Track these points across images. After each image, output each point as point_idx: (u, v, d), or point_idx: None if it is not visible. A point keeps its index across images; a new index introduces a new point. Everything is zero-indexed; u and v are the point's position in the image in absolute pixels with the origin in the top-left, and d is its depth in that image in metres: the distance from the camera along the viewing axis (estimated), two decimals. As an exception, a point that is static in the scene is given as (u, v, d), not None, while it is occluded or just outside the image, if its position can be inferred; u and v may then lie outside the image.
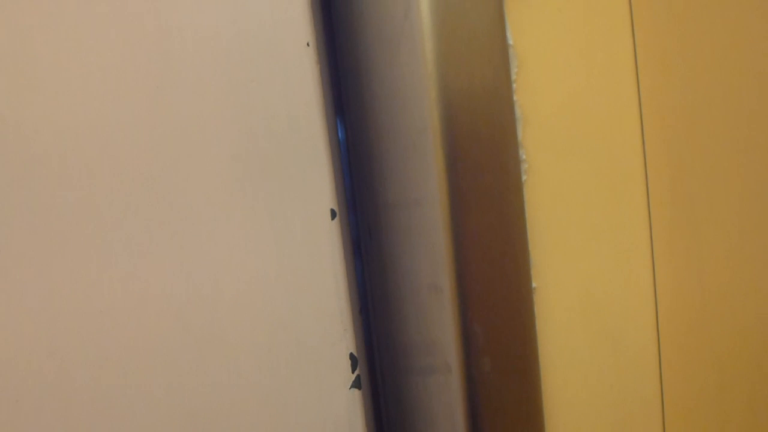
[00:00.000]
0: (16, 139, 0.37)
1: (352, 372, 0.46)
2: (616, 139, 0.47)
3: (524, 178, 0.46)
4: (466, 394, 0.47)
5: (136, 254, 0.40)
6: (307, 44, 0.43)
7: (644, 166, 0.48)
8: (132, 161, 0.40)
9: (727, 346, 0.48)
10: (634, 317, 0.49)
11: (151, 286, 0.40)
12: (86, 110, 0.38)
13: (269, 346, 0.43)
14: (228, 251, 0.42)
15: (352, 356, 0.45)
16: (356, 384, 0.46)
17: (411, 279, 0.48)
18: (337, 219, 0.45)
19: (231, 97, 0.41)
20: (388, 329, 0.51)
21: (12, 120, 0.37)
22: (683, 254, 0.49)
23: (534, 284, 0.47)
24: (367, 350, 0.51)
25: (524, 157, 0.46)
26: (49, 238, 0.38)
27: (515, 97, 0.46)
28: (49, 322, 0.39)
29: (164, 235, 0.41)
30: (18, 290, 0.38)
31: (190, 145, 0.41)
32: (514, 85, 0.46)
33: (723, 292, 0.48)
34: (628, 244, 0.48)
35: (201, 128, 0.41)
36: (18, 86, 0.37)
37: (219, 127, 0.41)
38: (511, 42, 0.45)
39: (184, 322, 0.41)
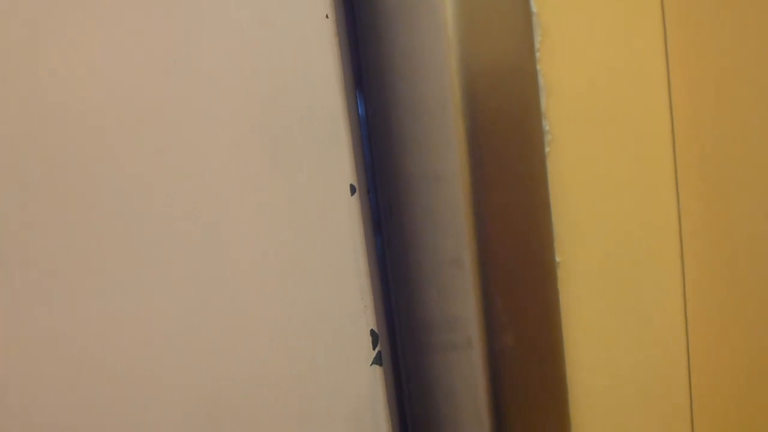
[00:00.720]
0: (26, 122, 0.37)
1: (373, 348, 0.45)
2: (643, 108, 0.46)
3: (547, 149, 0.45)
4: (488, 370, 0.46)
5: (152, 228, 0.40)
6: (326, 16, 0.42)
7: (672, 137, 0.47)
8: (148, 137, 0.39)
9: (759, 324, 0.47)
10: (660, 292, 0.48)
11: (169, 261, 0.40)
12: (102, 83, 0.38)
13: (289, 323, 0.43)
14: (246, 228, 0.41)
15: (372, 332, 0.45)
16: (377, 360, 0.45)
17: (432, 254, 0.48)
18: (356, 195, 0.44)
19: (249, 71, 0.41)
20: (409, 306, 0.50)
21: (21, 107, 0.37)
22: (713, 227, 0.47)
23: (558, 258, 0.47)
24: (388, 327, 0.51)
25: (547, 128, 0.45)
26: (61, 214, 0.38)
27: (539, 67, 0.45)
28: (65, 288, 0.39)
29: (181, 209, 0.40)
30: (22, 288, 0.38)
31: (208, 119, 0.40)
32: (538, 55, 0.45)
33: (755, 263, 0.46)
34: (655, 217, 0.47)
35: (218, 103, 0.40)
36: (28, 74, 0.37)
37: (237, 101, 0.41)
38: (534, 10, 0.44)
39: (204, 299, 0.41)
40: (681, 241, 0.48)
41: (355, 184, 0.44)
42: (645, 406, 0.49)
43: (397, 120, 0.50)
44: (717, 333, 0.48)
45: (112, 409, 0.40)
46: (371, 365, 0.45)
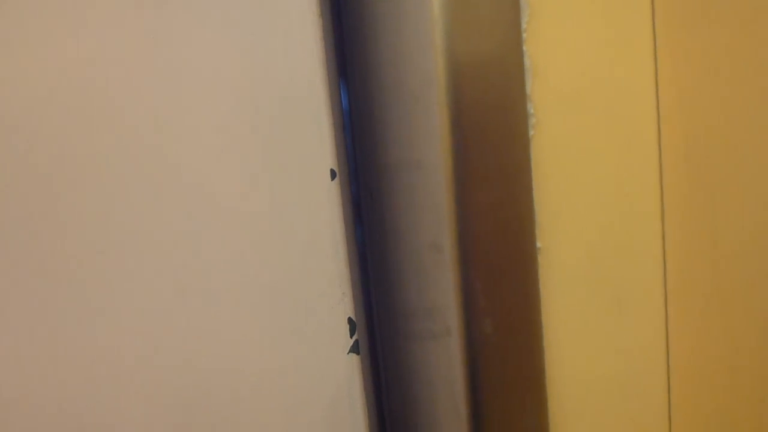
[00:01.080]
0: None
1: (351, 337, 0.45)
2: (629, 94, 0.45)
3: (531, 133, 0.44)
4: (466, 357, 0.46)
5: (126, 214, 0.38)
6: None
7: (657, 123, 0.46)
8: (128, 120, 0.38)
9: (739, 313, 0.47)
10: (641, 281, 0.48)
11: (142, 248, 0.39)
12: (85, 61, 0.37)
13: (266, 310, 0.42)
14: (224, 213, 0.40)
15: (350, 320, 0.45)
16: (354, 349, 0.45)
17: (411, 239, 0.47)
18: (337, 179, 0.43)
19: (230, 52, 0.40)
20: (387, 293, 0.49)
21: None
22: (695, 215, 0.47)
23: (539, 244, 0.46)
24: (366, 316, 0.50)
25: (532, 111, 0.44)
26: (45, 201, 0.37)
27: (525, 48, 0.44)
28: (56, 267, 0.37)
29: (158, 192, 0.39)
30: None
31: (188, 100, 0.39)
32: (525, 35, 0.43)
33: (736, 255, 0.46)
34: (638, 204, 0.47)
35: (199, 85, 0.39)
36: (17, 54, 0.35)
37: (217, 82, 0.39)
38: (521, -9, 0.43)
39: (178, 280, 0.40)
40: (663, 230, 0.47)
41: (336, 169, 0.43)
42: (623, 395, 0.49)
43: (379, 103, 0.49)
44: (697, 322, 0.48)
45: (87, 397, 0.39)
46: (348, 354, 0.45)
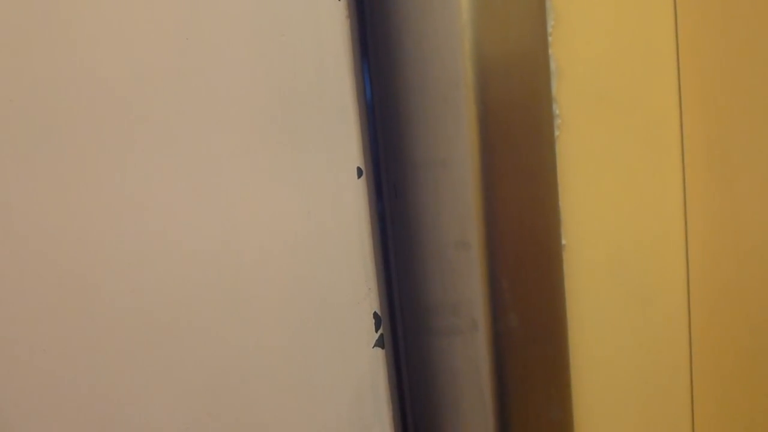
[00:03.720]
0: (32, 83, 0.37)
1: (376, 331, 0.45)
2: (653, 95, 0.46)
3: (557, 133, 0.46)
4: (492, 351, 0.47)
5: (159, 209, 0.39)
6: (338, -2, 0.42)
7: (680, 123, 0.47)
8: (157, 113, 0.39)
9: (762, 310, 0.48)
10: (665, 277, 0.48)
11: (174, 241, 0.40)
12: (112, 59, 0.38)
13: (293, 304, 0.43)
14: (253, 208, 0.41)
15: (375, 315, 0.45)
16: (379, 343, 0.46)
17: (438, 236, 0.48)
18: (363, 177, 0.44)
19: (260, 50, 0.40)
20: (412, 289, 0.50)
21: (29, 65, 0.37)
22: (718, 213, 0.48)
23: (564, 241, 0.47)
24: (389, 311, 0.51)
25: (558, 112, 0.45)
26: (65, 189, 0.38)
27: (551, 51, 0.45)
28: (64, 267, 0.38)
29: (188, 190, 0.40)
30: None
31: (217, 98, 0.40)
32: (550, 38, 0.45)
33: (759, 253, 0.47)
34: (661, 202, 0.48)
35: (228, 82, 0.40)
36: (37, 30, 0.37)
37: (246, 81, 0.40)
38: (547, -6, 0.44)
39: (207, 278, 0.41)
40: (686, 227, 0.48)
41: (362, 167, 0.44)
42: (646, 390, 0.49)
43: (405, 102, 0.50)
44: (719, 318, 0.49)
45: (118, 384, 0.39)
46: (373, 347, 0.45)
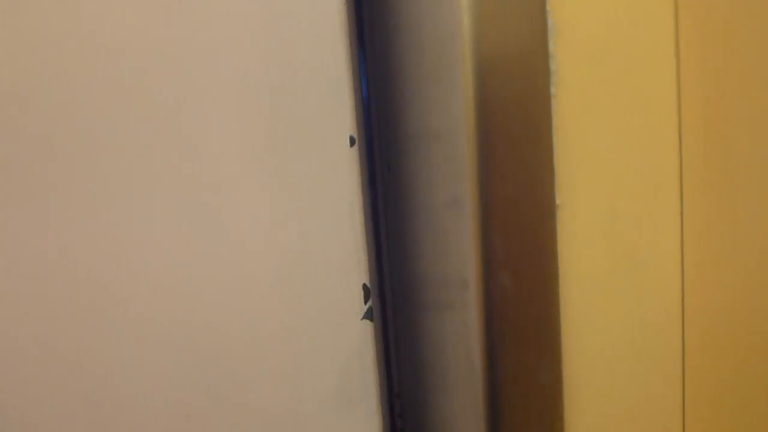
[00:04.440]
0: (23, 78, 0.37)
1: (365, 303, 0.45)
2: (651, 51, 0.46)
3: (553, 90, 0.45)
4: (482, 310, 0.46)
5: (153, 172, 0.39)
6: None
7: (677, 81, 0.46)
8: (153, 105, 0.39)
9: (756, 276, 0.47)
10: (658, 240, 0.48)
11: (168, 205, 0.40)
12: (107, 54, 0.38)
13: (281, 275, 0.43)
14: (243, 176, 0.41)
15: (365, 287, 0.45)
16: (368, 315, 0.45)
17: (429, 198, 0.48)
18: (355, 146, 0.44)
19: (252, 20, 0.40)
20: (403, 256, 0.50)
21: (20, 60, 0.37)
22: (715, 174, 0.47)
23: (558, 201, 0.47)
24: (379, 282, 0.50)
25: (554, 68, 0.45)
26: (58, 192, 0.38)
27: (548, 7, 0.44)
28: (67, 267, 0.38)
29: (180, 155, 0.40)
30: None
31: (210, 68, 0.39)
32: (548, -5, 0.44)
33: (755, 220, 0.47)
34: (658, 163, 0.47)
35: (221, 51, 0.40)
36: (30, 26, 0.36)
37: (239, 50, 0.40)
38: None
39: (198, 245, 0.40)
40: (681, 189, 0.48)
41: (355, 136, 0.43)
42: (638, 353, 0.49)
43: (399, 68, 0.50)
44: (713, 281, 0.49)
45: (104, 348, 0.39)
46: (362, 320, 0.45)
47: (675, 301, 0.49)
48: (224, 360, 0.42)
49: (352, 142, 0.43)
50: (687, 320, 0.49)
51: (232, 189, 0.41)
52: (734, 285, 0.48)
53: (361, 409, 0.46)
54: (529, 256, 0.47)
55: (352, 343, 0.45)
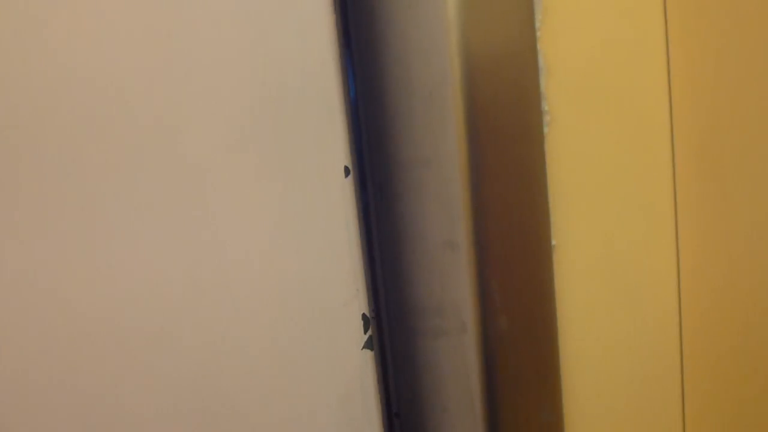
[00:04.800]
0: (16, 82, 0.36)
1: (365, 332, 0.45)
2: (643, 91, 0.46)
3: (546, 130, 0.45)
4: (481, 354, 0.46)
5: (144, 208, 0.38)
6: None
7: (670, 121, 0.46)
8: (141, 113, 0.38)
9: (753, 311, 0.47)
10: (655, 278, 0.48)
11: (160, 241, 0.39)
12: (93, 58, 0.37)
13: (281, 305, 0.42)
14: (239, 208, 0.40)
15: (364, 317, 0.45)
16: (368, 345, 0.45)
17: (425, 237, 0.47)
18: (350, 177, 0.43)
19: (245, 48, 0.40)
20: (399, 290, 0.49)
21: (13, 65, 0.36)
22: (709, 214, 0.47)
23: (554, 242, 0.46)
24: (377, 312, 0.50)
25: (547, 108, 0.44)
26: (44, 192, 0.37)
27: (539, 47, 0.44)
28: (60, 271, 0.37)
29: (173, 189, 0.39)
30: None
31: (203, 96, 0.39)
32: (539, 33, 0.44)
33: (750, 254, 0.46)
34: (652, 202, 0.47)
35: (214, 80, 0.39)
36: (21, 27, 0.35)
37: (232, 79, 0.39)
38: (535, -12, 0.43)
39: (195, 280, 0.40)
40: (677, 226, 0.48)
41: (350, 166, 0.43)
42: (637, 390, 0.49)
43: (390, 100, 0.49)
44: (709, 319, 0.49)
45: (102, 380, 0.38)
46: (362, 349, 0.45)
47: (673, 338, 0.49)
48: (225, 389, 0.41)
49: (347, 172, 0.43)
50: (686, 357, 0.49)
51: (229, 224, 0.40)
52: (733, 321, 0.48)
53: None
54: (527, 300, 0.46)
55: (353, 372, 0.45)
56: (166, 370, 0.40)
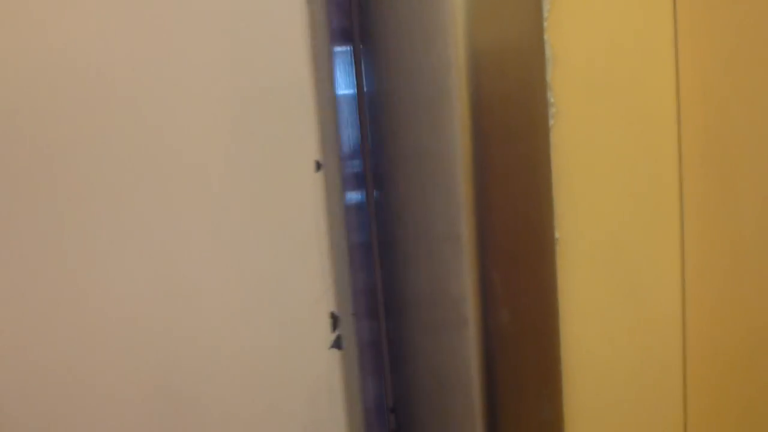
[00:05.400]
0: None
1: (333, 331, 0.45)
2: (650, 83, 0.45)
3: (551, 122, 0.44)
4: (482, 348, 0.45)
5: (116, 202, 0.39)
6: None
7: (677, 111, 0.46)
8: (117, 112, 0.38)
9: (758, 309, 0.47)
10: (658, 272, 0.47)
11: (125, 238, 0.39)
12: (67, 60, 0.37)
13: (248, 302, 0.42)
14: (206, 200, 0.40)
15: (333, 315, 0.44)
16: (336, 344, 0.45)
17: (425, 229, 0.46)
18: (321, 171, 0.43)
19: (217, 47, 0.40)
20: (398, 284, 0.49)
21: None
22: (714, 208, 0.47)
23: (557, 235, 0.46)
24: (369, 308, 0.50)
25: (552, 99, 0.44)
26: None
27: (546, 37, 0.43)
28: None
29: (142, 186, 0.39)
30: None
31: (174, 86, 0.39)
32: (545, 24, 0.43)
33: (754, 245, 0.46)
34: (657, 195, 0.47)
35: (188, 78, 0.39)
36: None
37: (203, 77, 0.40)
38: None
39: (161, 277, 0.40)
40: (682, 219, 0.47)
41: (321, 160, 0.43)
42: (638, 385, 0.48)
43: (393, 92, 0.48)
44: (714, 313, 0.48)
45: (67, 385, 0.39)
46: (330, 349, 0.45)
47: (676, 332, 0.48)
48: (191, 388, 0.41)
49: (318, 167, 0.43)
50: (688, 353, 0.49)
51: (194, 216, 0.40)
52: (737, 318, 0.48)
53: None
54: (529, 293, 0.46)
55: (321, 372, 0.45)
56: (133, 369, 0.40)
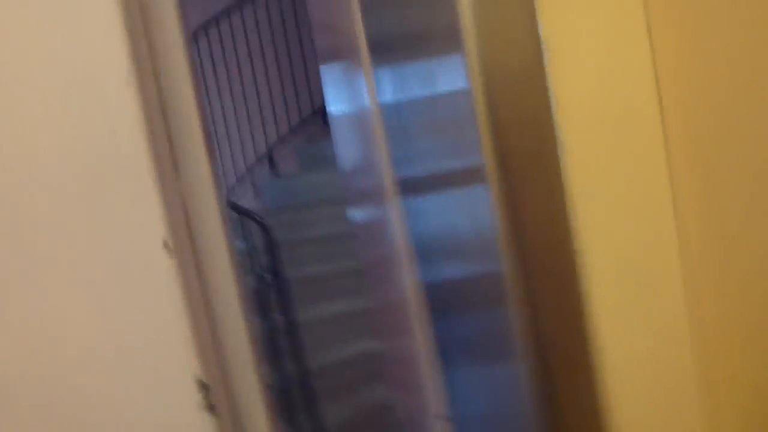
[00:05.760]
0: None
1: (203, 396, 0.44)
2: (636, 110, 0.52)
3: (563, 158, 0.51)
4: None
5: None
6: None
7: (663, 135, 0.53)
8: None
9: (749, 294, 0.54)
10: (662, 271, 0.54)
11: None
12: None
13: (117, 382, 0.42)
14: (61, 277, 0.40)
15: (199, 381, 0.44)
16: (207, 407, 0.44)
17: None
18: (172, 250, 0.42)
19: (58, 126, 0.40)
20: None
21: None
22: (705, 206, 0.54)
23: (577, 247, 0.53)
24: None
25: (562, 138, 0.51)
26: None
27: (548, 84, 0.51)
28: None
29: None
30: None
31: (19, 170, 0.39)
32: (547, 69, 0.51)
33: (745, 240, 0.54)
34: (654, 207, 0.53)
35: (25, 154, 0.39)
36: None
37: (46, 154, 0.40)
38: (542, 33, 0.51)
39: (30, 359, 0.40)
40: (677, 225, 0.54)
41: (170, 240, 0.42)
42: (655, 368, 0.55)
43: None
44: (712, 300, 0.55)
45: None
46: (201, 412, 0.44)
47: (681, 318, 0.54)
48: None
49: (167, 246, 0.42)
50: (693, 332, 0.55)
51: (55, 294, 0.41)
52: (733, 299, 0.55)
53: None
54: (561, 297, 0.53)
55: None
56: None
